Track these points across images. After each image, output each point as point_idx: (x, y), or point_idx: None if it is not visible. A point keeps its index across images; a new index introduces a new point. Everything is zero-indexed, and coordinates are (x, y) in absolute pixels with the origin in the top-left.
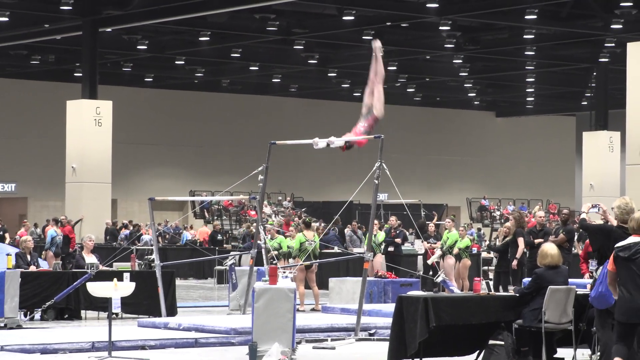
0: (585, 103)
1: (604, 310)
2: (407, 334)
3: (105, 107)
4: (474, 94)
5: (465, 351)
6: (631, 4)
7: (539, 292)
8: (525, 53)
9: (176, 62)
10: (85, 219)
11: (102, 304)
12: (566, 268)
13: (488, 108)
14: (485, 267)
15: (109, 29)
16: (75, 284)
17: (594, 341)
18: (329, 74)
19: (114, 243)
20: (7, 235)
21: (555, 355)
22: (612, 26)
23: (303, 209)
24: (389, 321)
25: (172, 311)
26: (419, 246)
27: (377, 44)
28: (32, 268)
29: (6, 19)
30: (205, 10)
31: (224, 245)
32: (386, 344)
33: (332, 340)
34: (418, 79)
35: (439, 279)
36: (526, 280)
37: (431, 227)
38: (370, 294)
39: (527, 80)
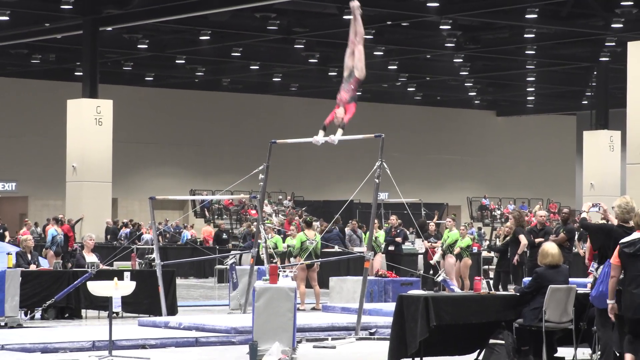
0: (586, 102)
1: (604, 309)
2: (408, 333)
3: (105, 106)
4: (474, 93)
5: (466, 350)
6: (631, 3)
7: (540, 292)
8: (526, 52)
9: (177, 61)
10: (85, 218)
11: (103, 303)
12: (567, 267)
13: (488, 107)
14: (486, 267)
15: (110, 28)
16: (75, 283)
17: (594, 340)
18: (330, 73)
19: (115, 242)
20: (7, 233)
21: (555, 355)
22: (612, 25)
23: (303, 208)
24: (389, 320)
25: (172, 310)
26: (420, 245)
27: (354, 4)
28: (33, 267)
29: (7, 18)
30: (205, 9)
31: (229, 244)
32: (387, 343)
33: (332, 339)
34: (418, 78)
35: (440, 278)
36: (526, 279)
37: (432, 226)
38: (371, 293)
39: (527, 79)
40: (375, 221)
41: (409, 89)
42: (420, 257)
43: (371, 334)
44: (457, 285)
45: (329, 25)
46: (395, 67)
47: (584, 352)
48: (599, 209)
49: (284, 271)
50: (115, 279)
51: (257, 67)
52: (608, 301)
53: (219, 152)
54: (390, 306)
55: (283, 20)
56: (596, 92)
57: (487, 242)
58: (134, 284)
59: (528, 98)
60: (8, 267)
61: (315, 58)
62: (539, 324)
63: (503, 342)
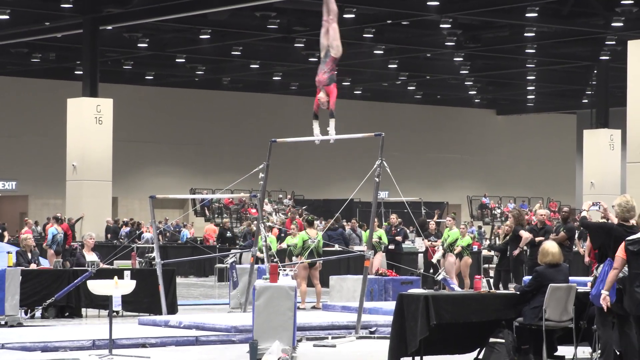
0: (586, 101)
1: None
2: (408, 332)
3: (105, 105)
4: (474, 92)
5: (466, 349)
6: (632, 1)
7: (540, 290)
8: (526, 51)
9: (177, 60)
10: (85, 217)
11: (103, 302)
12: (567, 266)
13: (489, 106)
14: (486, 265)
15: (110, 27)
16: (75, 281)
17: (594, 339)
18: None
19: (115, 241)
20: (6, 233)
21: (555, 353)
22: (612, 24)
23: (304, 207)
24: (389, 319)
25: (172, 309)
26: (420, 244)
27: None
28: (33, 266)
29: (7, 16)
30: (205, 8)
31: (234, 243)
32: (387, 342)
33: (332, 338)
34: (419, 77)
35: (440, 277)
36: (527, 278)
37: (432, 225)
38: (371, 292)
39: (527, 78)
40: (375, 220)
41: (409, 88)
42: (421, 256)
43: (371, 332)
44: (457, 284)
45: None
46: (395, 65)
47: (584, 350)
48: (599, 208)
49: (284, 270)
50: (116, 277)
51: (257, 66)
52: (603, 291)
53: (219, 151)
54: (391, 305)
55: (283, 19)
56: (596, 90)
57: (488, 242)
58: (134, 282)
59: (528, 97)
60: (8, 266)
61: (316, 57)
62: (539, 323)
63: (503, 340)
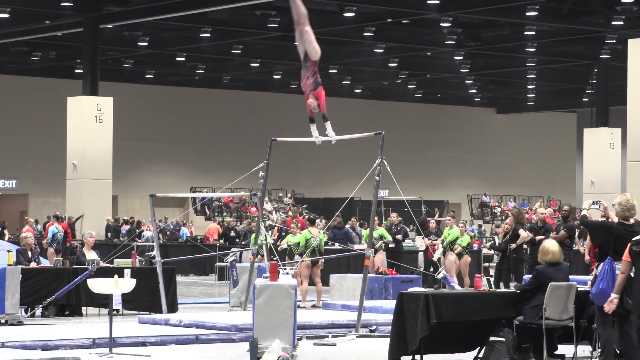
0: (586, 100)
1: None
2: (408, 331)
3: (106, 104)
4: (474, 91)
5: (466, 348)
6: (632, 0)
7: (540, 289)
8: (526, 50)
9: (177, 59)
10: (86, 215)
11: (103, 301)
12: (567, 265)
13: (489, 105)
14: (486, 264)
15: (110, 26)
16: (76, 280)
17: (594, 338)
18: (330, 71)
19: (115, 239)
20: (6, 232)
21: (555, 352)
22: (613, 23)
23: (304, 206)
24: (389, 318)
25: (173, 308)
26: (420, 243)
27: None
28: (33, 264)
29: (7, 15)
30: (206, 6)
31: (236, 242)
32: (387, 341)
33: (333, 336)
34: (419, 76)
35: (440, 276)
36: (527, 277)
37: (432, 223)
38: (371, 291)
39: (528, 76)
40: (376, 218)
41: (409, 87)
42: (421, 255)
43: (371, 331)
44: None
45: (329, 22)
46: (396, 64)
47: (584, 349)
48: (600, 207)
49: (284, 268)
50: (116, 276)
51: (258, 65)
52: (613, 294)
53: (219, 149)
54: (391, 304)
55: (283, 18)
56: (596, 89)
57: (490, 243)
58: (134, 281)
59: (528, 95)
60: (8, 265)
61: None
62: (540, 322)
63: (503, 339)
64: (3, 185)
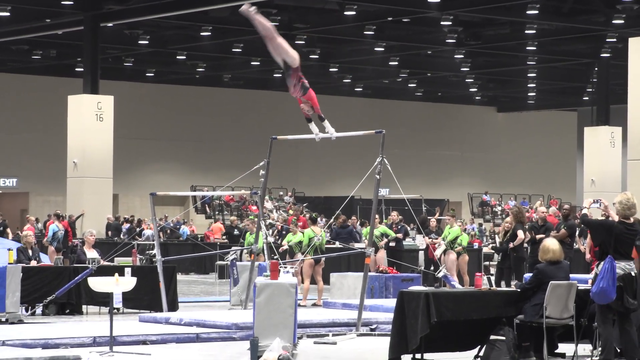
0: (587, 98)
1: (605, 305)
2: (409, 329)
3: (106, 102)
4: (475, 89)
5: (467, 346)
6: None
7: (540, 288)
8: (527, 48)
9: (177, 57)
10: (86, 214)
11: (104, 299)
12: (567, 263)
13: (489, 103)
14: (487, 263)
15: (111, 24)
16: (76, 278)
17: (595, 336)
18: (330, 69)
19: (116, 238)
20: (9, 230)
21: (556, 351)
22: (613, 21)
23: (304, 204)
24: (390, 316)
25: (173, 306)
26: (421, 241)
27: (244, 8)
28: (34, 263)
29: (7, 13)
30: (206, 5)
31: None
32: (387, 339)
33: (333, 335)
34: (419, 74)
35: (440, 274)
36: (527, 275)
37: (432, 222)
38: (372, 289)
39: (528, 75)
40: (376, 217)
41: (409, 85)
42: (421, 253)
43: (372, 329)
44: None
45: (329, 21)
46: (396, 63)
47: (585, 348)
48: (600, 205)
49: (285, 267)
50: (116, 274)
51: (258, 63)
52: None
53: (219, 148)
54: (391, 302)
55: (284, 16)
56: (597, 88)
57: (492, 244)
58: (134, 279)
59: (529, 94)
60: (9, 263)
61: (316, 54)
62: (540, 320)
63: (504, 338)
64: (4, 184)
